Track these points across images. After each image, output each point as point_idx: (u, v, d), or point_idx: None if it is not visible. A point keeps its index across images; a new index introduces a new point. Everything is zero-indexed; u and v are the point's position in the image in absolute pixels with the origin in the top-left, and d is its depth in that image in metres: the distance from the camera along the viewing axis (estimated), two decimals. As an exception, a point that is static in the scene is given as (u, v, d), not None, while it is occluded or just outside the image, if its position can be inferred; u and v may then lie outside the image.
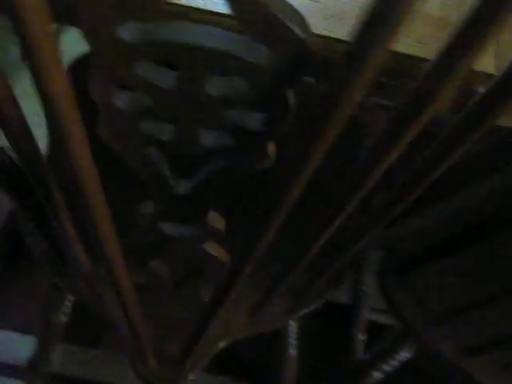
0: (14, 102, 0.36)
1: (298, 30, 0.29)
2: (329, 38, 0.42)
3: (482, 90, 0.51)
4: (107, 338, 1.29)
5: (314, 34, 0.30)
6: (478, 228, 0.79)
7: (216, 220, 0.53)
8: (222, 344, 0.82)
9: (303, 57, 0.30)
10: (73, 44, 0.97)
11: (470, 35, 0.25)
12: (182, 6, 0.40)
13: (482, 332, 0.89)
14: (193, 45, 0.31)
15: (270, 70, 0.31)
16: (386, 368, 1.04)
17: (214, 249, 0.60)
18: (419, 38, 0.56)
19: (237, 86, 0.33)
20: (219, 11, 0.39)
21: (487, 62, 0.52)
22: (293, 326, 1.02)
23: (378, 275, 0.95)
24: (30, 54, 0.25)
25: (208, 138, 0.39)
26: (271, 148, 0.39)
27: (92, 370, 1.25)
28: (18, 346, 1.28)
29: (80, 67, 0.85)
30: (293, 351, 1.05)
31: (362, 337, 1.17)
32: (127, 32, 0.29)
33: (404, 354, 1.01)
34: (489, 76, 0.50)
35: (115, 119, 0.37)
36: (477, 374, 0.91)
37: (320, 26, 0.44)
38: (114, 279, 0.54)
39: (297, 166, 0.34)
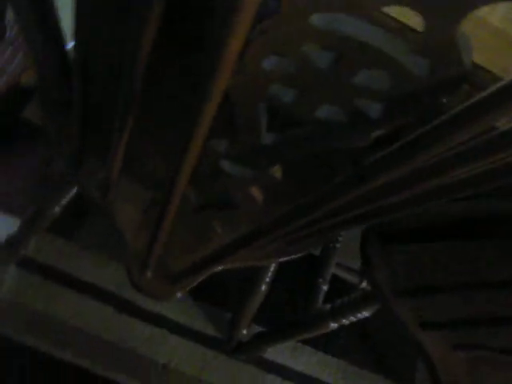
0: None
1: (465, 58, 0.33)
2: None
3: None
4: (83, 234, 1.33)
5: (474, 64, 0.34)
6: (463, 227, 0.85)
7: (277, 171, 0.57)
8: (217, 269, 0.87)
9: (457, 82, 0.34)
10: None
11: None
12: None
13: (443, 313, 0.97)
14: (364, 42, 0.35)
15: (421, 81, 0.36)
16: (343, 321, 1.12)
17: (257, 193, 0.65)
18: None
19: (382, 82, 0.37)
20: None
21: None
22: (271, 266, 1.09)
23: (362, 235, 1.01)
24: None
25: (323, 111, 0.43)
26: (375, 134, 0.43)
27: (66, 261, 1.30)
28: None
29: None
30: (264, 287, 1.13)
31: (324, 287, 1.25)
32: (318, 18, 0.33)
33: (363, 313, 1.09)
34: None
35: (251, 77, 0.41)
36: (427, 347, 1.01)
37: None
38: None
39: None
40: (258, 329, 1.32)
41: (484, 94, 0.31)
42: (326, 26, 0.33)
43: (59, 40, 0.69)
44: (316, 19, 0.33)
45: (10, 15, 1.42)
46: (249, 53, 0.38)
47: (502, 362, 0.95)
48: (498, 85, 0.30)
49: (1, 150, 1.36)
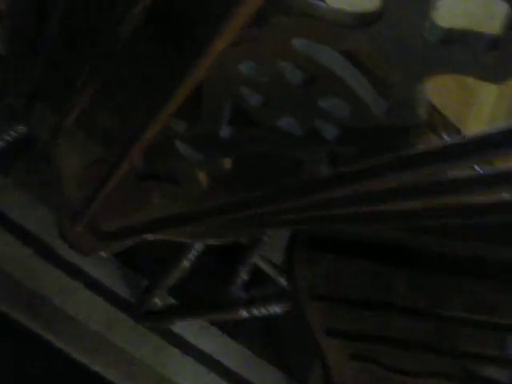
0: None
1: (421, 111, 0.36)
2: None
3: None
4: (19, 172, 1.32)
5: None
6: (388, 251, 0.89)
7: (227, 162, 0.60)
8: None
9: (409, 129, 0.37)
10: None
11: None
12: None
13: (348, 323, 1.02)
14: (334, 71, 0.38)
15: (378, 119, 0.39)
16: (255, 312, 1.16)
17: (202, 177, 0.67)
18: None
19: (343, 110, 0.40)
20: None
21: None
22: (198, 245, 1.11)
23: (290, 236, 1.04)
24: None
25: (283, 122, 0.46)
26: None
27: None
28: None
29: None
30: (186, 263, 1.15)
31: (244, 276, 1.29)
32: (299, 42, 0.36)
33: (275, 308, 1.13)
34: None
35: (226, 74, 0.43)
36: (326, 351, 1.06)
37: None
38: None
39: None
40: (171, 301, 1.34)
41: (431, 147, 0.34)
42: (304, 50, 0.36)
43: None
44: (297, 42, 0.35)
45: None
46: (230, 54, 0.40)
47: (387, 378, 1.00)
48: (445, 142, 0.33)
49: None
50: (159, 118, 0.48)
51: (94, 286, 1.33)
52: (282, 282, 1.32)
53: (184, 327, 1.37)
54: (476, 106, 0.55)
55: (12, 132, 0.99)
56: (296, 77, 0.40)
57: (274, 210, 0.61)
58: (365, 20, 0.32)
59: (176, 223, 0.69)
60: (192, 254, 1.13)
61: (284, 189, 0.50)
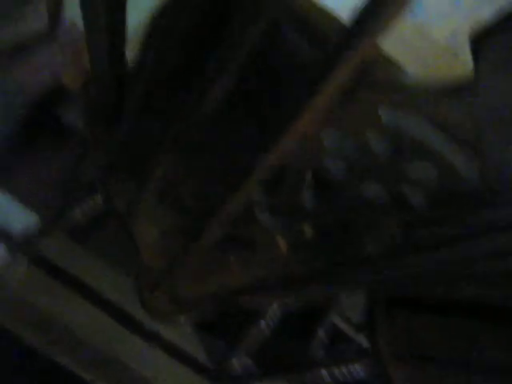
0: None
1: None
2: None
3: None
4: (97, 241, 1.35)
5: None
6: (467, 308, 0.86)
7: (307, 229, 0.59)
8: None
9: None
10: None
11: None
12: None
13: (435, 380, 0.98)
14: (421, 139, 0.37)
15: (468, 183, 0.38)
16: (335, 371, 1.13)
17: (282, 242, 0.67)
18: None
19: (430, 175, 0.40)
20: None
21: None
22: (275, 308, 1.10)
23: (368, 295, 1.02)
24: None
25: (368, 188, 0.45)
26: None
27: (76, 265, 1.31)
28: (14, 215, 1.32)
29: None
30: (265, 326, 1.14)
31: (323, 335, 1.27)
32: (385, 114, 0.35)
33: (358, 369, 1.10)
34: None
35: (308, 147, 0.43)
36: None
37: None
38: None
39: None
40: (249, 363, 1.33)
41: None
42: (391, 120, 0.36)
43: (122, 66, 0.71)
44: (384, 113, 0.35)
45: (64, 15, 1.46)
46: (314, 127, 0.40)
47: None
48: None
49: (32, 144, 1.39)
50: (242, 192, 0.48)
51: (172, 350, 1.33)
52: (362, 340, 1.29)
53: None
54: None
55: (91, 204, 1.02)
56: (382, 146, 0.39)
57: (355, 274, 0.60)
58: (456, 90, 0.32)
59: (257, 290, 0.68)
60: (270, 316, 1.12)
61: (368, 256, 0.50)
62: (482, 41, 0.34)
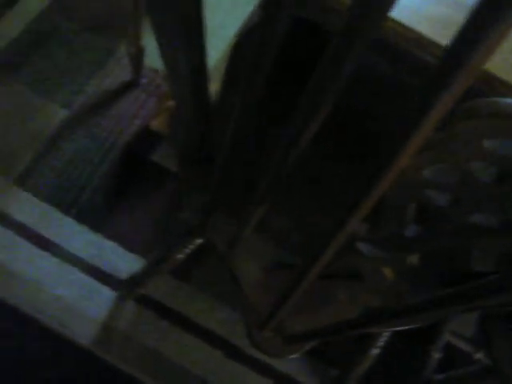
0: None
1: None
2: None
3: None
4: (200, 277, 1.37)
5: None
6: None
7: (414, 258, 0.58)
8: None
9: None
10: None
11: None
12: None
13: None
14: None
15: None
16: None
17: (388, 272, 0.65)
18: None
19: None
20: None
21: None
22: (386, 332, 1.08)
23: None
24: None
25: (476, 217, 0.43)
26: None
27: (181, 302, 1.34)
28: (118, 259, 1.37)
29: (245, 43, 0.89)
30: (376, 351, 1.12)
31: (436, 355, 1.22)
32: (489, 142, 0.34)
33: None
34: None
35: (409, 181, 0.42)
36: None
37: None
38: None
39: None
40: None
41: None
42: (496, 148, 0.34)
43: (207, 106, 0.73)
44: (489, 142, 0.34)
45: (145, 62, 1.51)
46: (413, 162, 0.39)
47: None
48: None
49: (129, 190, 1.44)
50: (345, 230, 0.47)
51: (284, 380, 1.33)
52: (479, 356, 1.24)
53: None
54: None
55: (190, 245, 1.04)
56: (488, 174, 0.38)
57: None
58: None
59: (368, 321, 0.66)
60: (381, 341, 1.10)
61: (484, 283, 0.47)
62: None
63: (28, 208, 1.40)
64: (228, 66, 0.94)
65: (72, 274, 1.35)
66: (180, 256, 1.09)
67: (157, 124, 1.46)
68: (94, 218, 1.41)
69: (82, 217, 1.40)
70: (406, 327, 0.91)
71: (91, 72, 1.59)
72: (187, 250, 1.08)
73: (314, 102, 0.42)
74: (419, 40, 0.52)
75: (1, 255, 1.34)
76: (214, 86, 1.40)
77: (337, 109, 0.51)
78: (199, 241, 1.03)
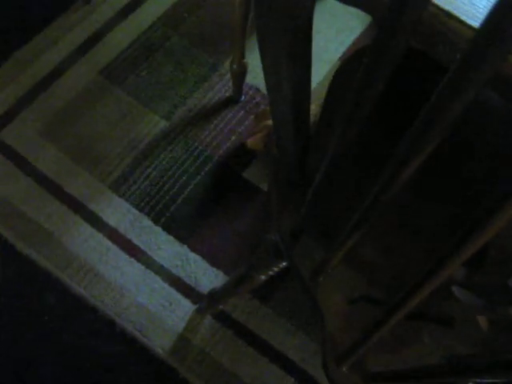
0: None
1: None
2: None
3: None
4: (279, 299, 1.35)
5: None
6: None
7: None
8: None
9: None
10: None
11: None
12: None
13: None
14: None
15: None
16: None
17: (482, 321, 0.61)
18: None
19: None
20: None
21: None
22: None
23: None
24: None
25: None
26: None
27: (259, 323, 1.33)
28: (201, 273, 1.37)
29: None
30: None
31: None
32: None
33: None
34: None
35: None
36: None
37: None
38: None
39: None
40: None
41: None
42: None
43: (307, 128, 0.71)
44: None
45: (247, 79, 1.52)
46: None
47: None
48: None
49: (219, 204, 1.45)
50: (440, 274, 0.44)
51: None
52: None
53: None
54: None
55: (274, 268, 1.02)
56: None
57: None
58: None
59: (454, 374, 0.62)
60: None
61: None
62: None
63: (120, 213, 1.43)
64: (329, 91, 0.92)
65: (155, 283, 1.36)
66: (262, 277, 1.08)
67: (252, 142, 1.47)
68: (181, 228, 1.42)
69: (170, 227, 1.42)
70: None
71: (194, 86, 1.61)
72: (270, 272, 1.06)
73: (422, 134, 0.40)
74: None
75: (91, 257, 1.38)
76: (312, 109, 1.39)
77: (442, 146, 0.48)
78: (284, 264, 1.01)
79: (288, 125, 0.64)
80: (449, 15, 0.46)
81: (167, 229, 1.42)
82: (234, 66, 1.45)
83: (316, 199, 0.71)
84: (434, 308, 0.67)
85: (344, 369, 0.84)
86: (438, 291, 0.59)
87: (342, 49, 1.70)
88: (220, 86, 1.61)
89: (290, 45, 0.45)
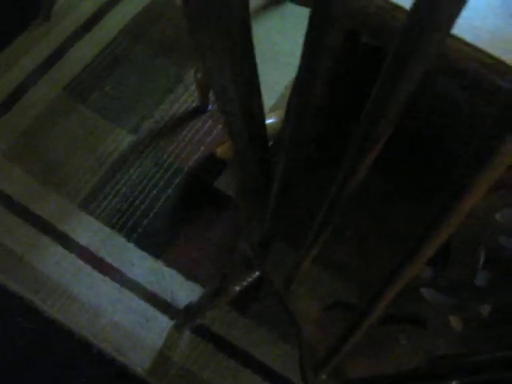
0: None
1: None
2: None
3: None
4: (257, 310, 1.33)
5: None
6: None
7: (485, 309, 0.52)
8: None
9: None
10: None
11: None
12: None
13: None
14: None
15: None
16: None
17: (455, 322, 0.59)
18: None
19: None
20: None
21: None
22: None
23: None
24: None
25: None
26: None
27: (238, 335, 1.30)
28: (177, 287, 1.35)
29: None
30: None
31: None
32: None
33: None
34: None
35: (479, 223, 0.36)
36: None
37: None
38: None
39: None
40: None
41: None
42: None
43: (262, 137, 0.69)
44: None
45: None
46: (484, 203, 0.34)
47: None
48: None
49: (191, 216, 1.42)
50: (405, 273, 0.42)
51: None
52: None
53: None
54: None
55: (248, 278, 1.00)
56: None
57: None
58: None
59: (433, 376, 0.61)
60: None
61: None
62: None
63: (91, 232, 1.40)
64: (290, 95, 0.91)
65: (131, 300, 1.33)
66: (237, 288, 1.05)
67: (222, 151, 1.44)
68: (155, 243, 1.39)
69: (143, 242, 1.39)
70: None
71: (160, 97, 1.59)
72: (244, 283, 1.04)
73: (371, 124, 0.38)
74: (497, 66, 0.47)
75: (63, 278, 1.34)
76: (280, 114, 1.37)
77: (404, 136, 0.46)
78: (256, 274, 0.99)
79: (243, 132, 0.62)
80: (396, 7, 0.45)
81: (140, 244, 1.39)
82: (199, 76, 1.43)
83: (278, 205, 0.69)
84: (406, 310, 0.65)
85: (323, 377, 0.82)
86: (407, 293, 0.57)
87: (307, 52, 1.69)
88: (186, 97, 1.59)
89: (230, 49, 0.43)
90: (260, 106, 0.53)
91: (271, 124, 1.37)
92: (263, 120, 0.58)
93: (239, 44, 0.41)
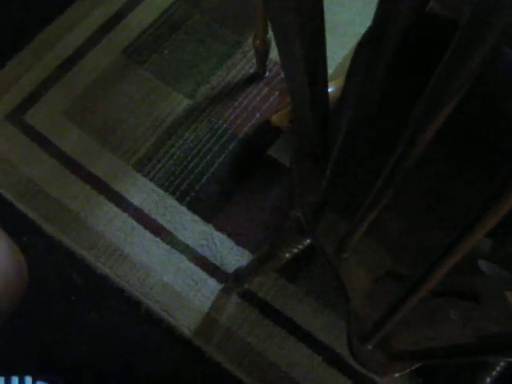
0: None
1: None
2: None
3: None
4: (306, 279, 1.33)
5: None
6: None
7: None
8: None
9: None
10: None
11: None
12: None
13: None
14: None
15: None
16: None
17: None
18: None
19: None
20: None
21: None
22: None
23: None
24: None
25: None
26: None
27: (285, 302, 1.31)
28: (227, 252, 1.36)
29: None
30: (488, 381, 1.03)
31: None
32: None
33: None
34: None
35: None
36: None
37: None
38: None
39: None
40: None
41: None
42: None
43: (324, 100, 0.69)
44: None
45: (271, 56, 1.49)
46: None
47: None
48: None
49: (244, 183, 1.43)
50: (468, 242, 0.42)
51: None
52: None
53: None
54: None
55: (298, 245, 1.00)
56: None
57: None
58: None
59: (482, 352, 0.60)
60: (496, 371, 1.01)
61: None
62: None
63: (145, 193, 1.42)
64: (350, 64, 0.89)
65: (181, 262, 1.36)
66: (287, 255, 1.06)
67: (277, 118, 1.44)
68: (206, 208, 1.41)
69: (195, 206, 1.41)
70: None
71: (217, 63, 1.59)
72: (295, 250, 1.04)
73: (435, 99, 0.37)
74: None
75: (116, 237, 1.37)
76: (338, 83, 1.35)
77: (468, 115, 0.45)
78: (307, 241, 0.99)
79: (304, 98, 0.62)
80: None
81: (192, 208, 1.41)
82: (258, 42, 1.42)
83: (336, 172, 0.68)
84: (460, 284, 0.64)
85: (369, 346, 0.82)
86: (463, 265, 0.56)
87: (368, 22, 1.66)
88: (243, 63, 1.59)
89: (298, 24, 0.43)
90: (324, 67, 0.53)
91: (329, 92, 1.35)
92: (326, 82, 0.58)
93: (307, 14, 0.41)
